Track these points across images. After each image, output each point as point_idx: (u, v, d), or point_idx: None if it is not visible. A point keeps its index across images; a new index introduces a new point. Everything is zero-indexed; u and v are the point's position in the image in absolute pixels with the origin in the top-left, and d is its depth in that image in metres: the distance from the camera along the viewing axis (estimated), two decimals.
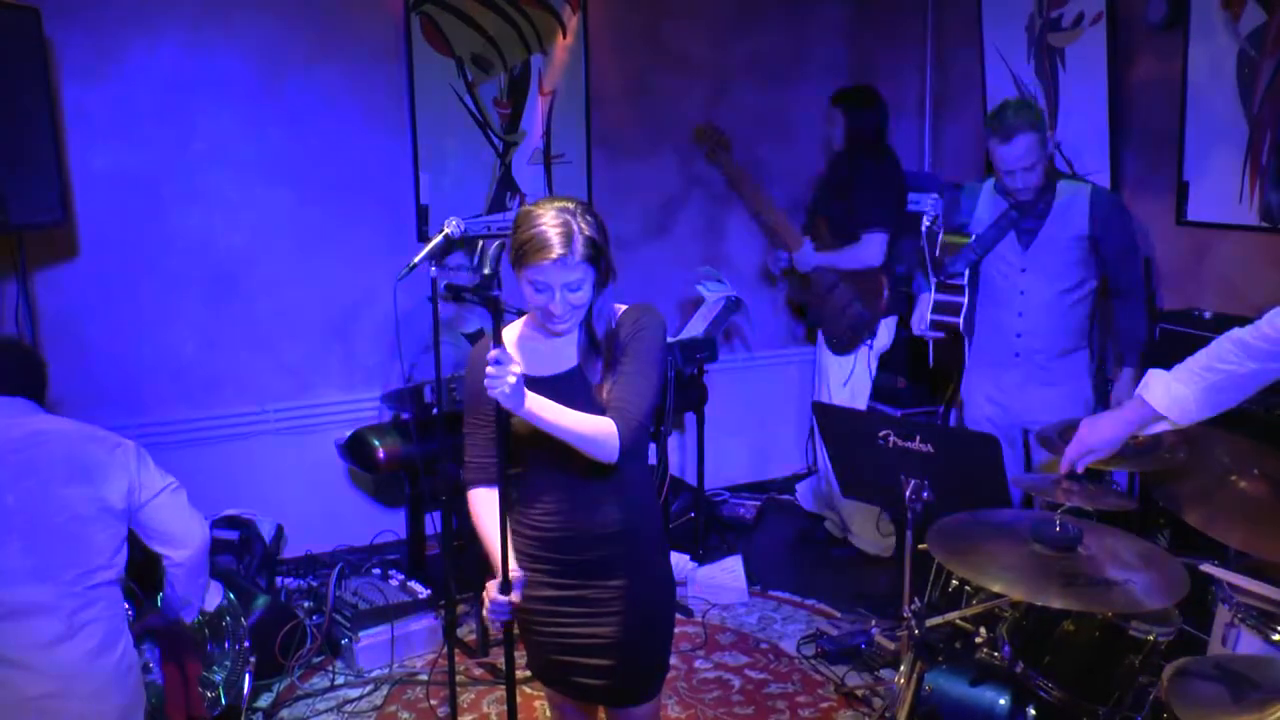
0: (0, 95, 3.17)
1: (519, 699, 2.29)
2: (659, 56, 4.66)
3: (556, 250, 1.94)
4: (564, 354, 2.13)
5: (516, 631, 2.19)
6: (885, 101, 4.22)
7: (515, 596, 2.07)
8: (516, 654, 2.23)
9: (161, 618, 2.63)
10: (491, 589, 2.07)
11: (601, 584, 2.13)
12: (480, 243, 2.10)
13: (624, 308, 2.16)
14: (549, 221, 1.97)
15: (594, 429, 2.00)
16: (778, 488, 5.11)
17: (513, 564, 2.08)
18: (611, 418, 2.03)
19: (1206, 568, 2.33)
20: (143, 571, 2.57)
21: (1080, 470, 2.38)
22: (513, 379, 1.89)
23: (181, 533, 2.45)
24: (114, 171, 3.78)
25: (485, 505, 2.18)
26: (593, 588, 2.13)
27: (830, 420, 2.96)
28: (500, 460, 2.05)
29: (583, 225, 1.99)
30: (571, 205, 2.02)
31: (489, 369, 1.88)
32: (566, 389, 2.06)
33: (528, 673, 2.35)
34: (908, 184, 4.22)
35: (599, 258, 2.02)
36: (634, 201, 4.71)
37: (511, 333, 2.19)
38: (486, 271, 2.00)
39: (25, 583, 2.18)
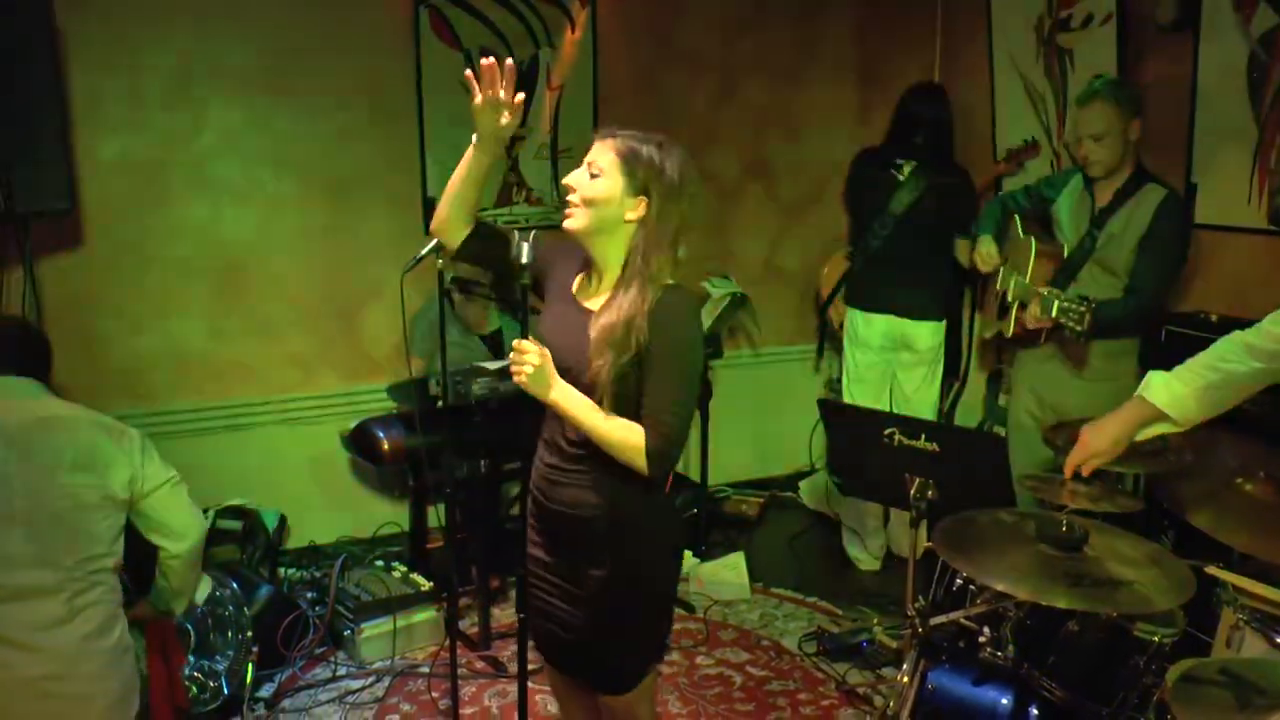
0: (10, 83, 3.18)
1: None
2: (667, 52, 4.65)
3: (606, 129, 2.01)
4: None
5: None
6: (908, 103, 4.02)
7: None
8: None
9: (151, 608, 2.63)
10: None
11: (585, 570, 2.08)
12: (514, 233, 2.04)
13: (673, 286, 2.00)
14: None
15: (620, 438, 1.94)
16: (781, 485, 5.11)
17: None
18: (645, 427, 1.94)
19: (1212, 570, 2.33)
20: (136, 564, 2.57)
21: (1086, 475, 2.37)
22: (530, 369, 1.90)
23: (180, 526, 2.45)
24: (122, 160, 3.78)
25: None
26: (577, 571, 2.10)
27: (836, 418, 2.96)
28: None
29: (642, 140, 1.98)
30: (659, 136, 2.01)
31: (511, 355, 1.92)
32: (581, 319, 1.99)
33: (534, 666, 2.36)
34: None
35: (637, 171, 1.95)
36: None
37: None
38: (524, 260, 1.97)
39: (27, 567, 2.18)
